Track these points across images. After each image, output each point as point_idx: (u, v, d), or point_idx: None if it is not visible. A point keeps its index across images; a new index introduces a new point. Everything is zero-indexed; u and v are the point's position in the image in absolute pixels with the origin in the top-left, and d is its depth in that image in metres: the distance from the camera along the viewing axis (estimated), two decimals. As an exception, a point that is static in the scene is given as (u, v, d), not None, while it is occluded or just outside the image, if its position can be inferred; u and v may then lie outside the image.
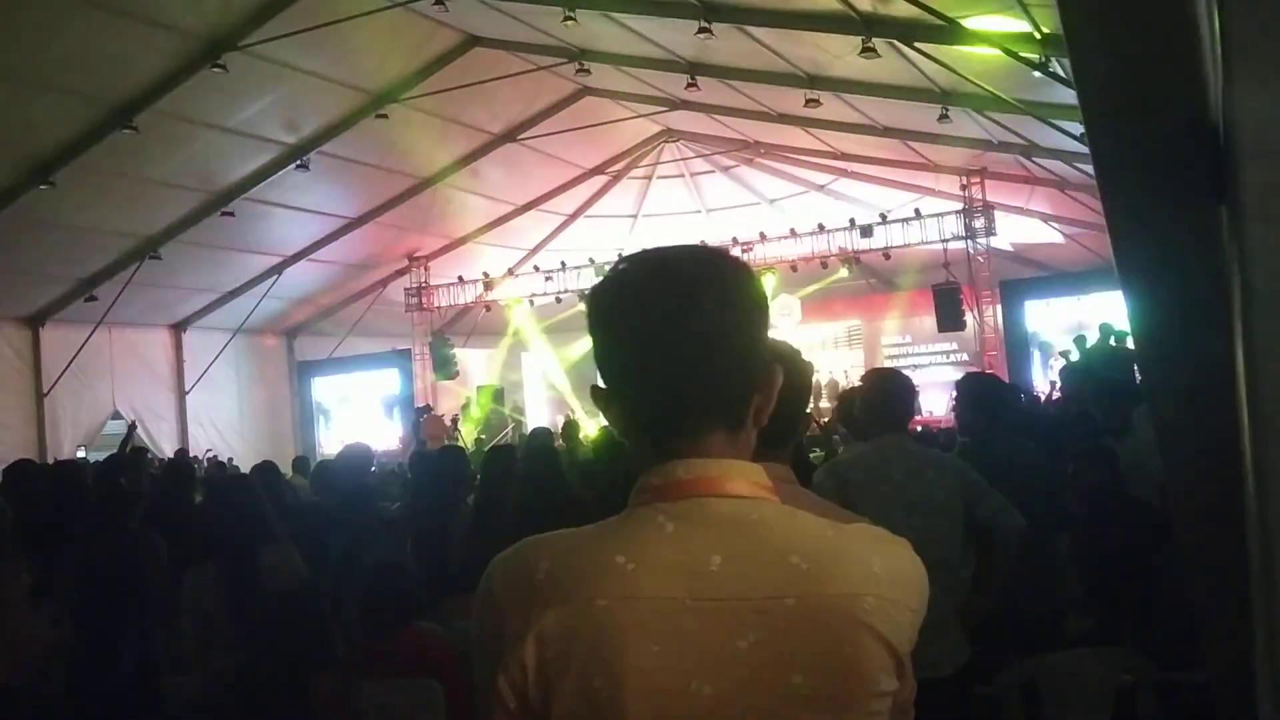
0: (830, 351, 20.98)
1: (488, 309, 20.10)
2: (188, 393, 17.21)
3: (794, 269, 17.80)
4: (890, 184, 17.07)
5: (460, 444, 16.14)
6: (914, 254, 16.94)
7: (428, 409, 17.68)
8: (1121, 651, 3.65)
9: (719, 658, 0.97)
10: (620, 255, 1.21)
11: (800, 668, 0.98)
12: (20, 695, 2.02)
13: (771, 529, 1.03)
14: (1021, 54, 8.53)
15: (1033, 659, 3.62)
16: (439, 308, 19.80)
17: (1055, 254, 17.90)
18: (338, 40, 11.05)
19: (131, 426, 11.82)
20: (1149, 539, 3.85)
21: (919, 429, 13.55)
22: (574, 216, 19.45)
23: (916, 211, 16.53)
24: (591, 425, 14.49)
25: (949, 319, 16.02)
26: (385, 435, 18.43)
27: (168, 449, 15.12)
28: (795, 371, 2.07)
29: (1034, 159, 13.81)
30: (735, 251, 17.84)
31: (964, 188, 15.84)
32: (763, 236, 17.80)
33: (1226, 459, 1.07)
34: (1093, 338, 11.11)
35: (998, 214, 16.16)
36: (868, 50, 9.69)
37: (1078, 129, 9.97)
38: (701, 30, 10.06)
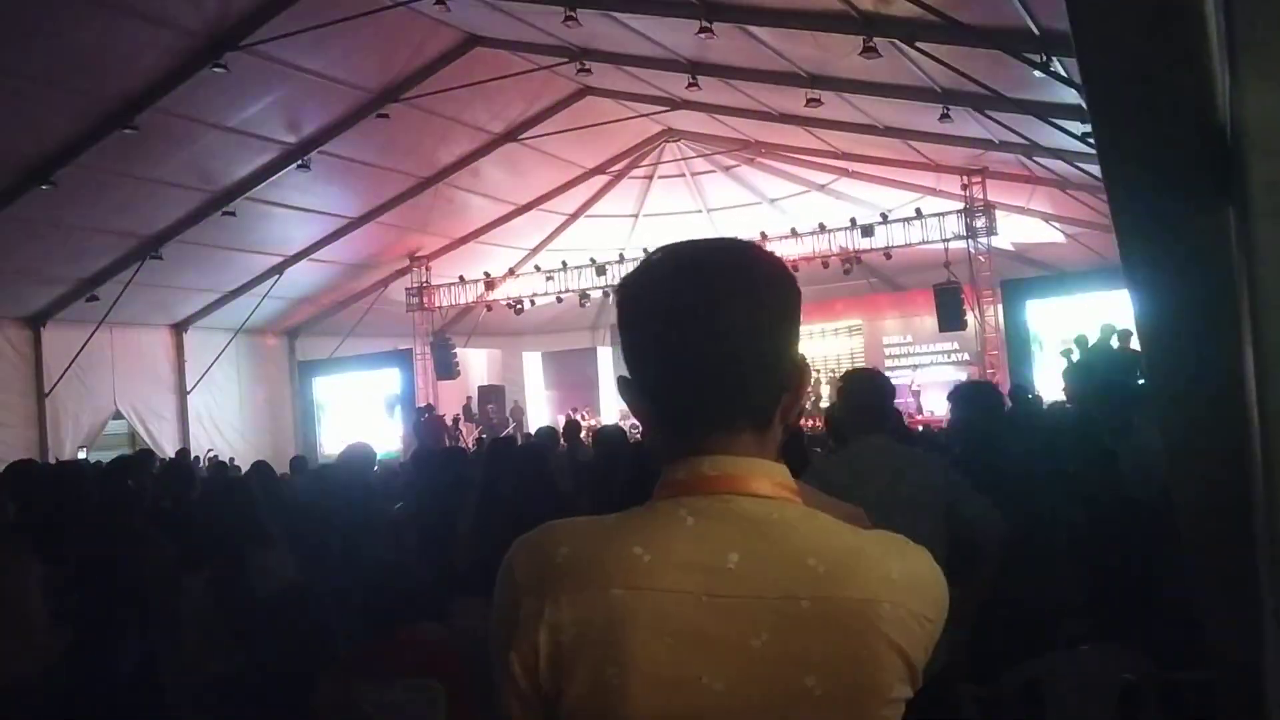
0: (831, 351, 20.99)
1: (489, 309, 20.11)
2: (189, 393, 17.22)
3: (795, 268, 17.77)
4: (891, 183, 17.07)
5: (461, 444, 16.17)
6: (915, 254, 16.95)
7: (429, 409, 17.69)
8: (1123, 651, 3.64)
9: (731, 654, 0.97)
10: (646, 250, 1.21)
11: (813, 669, 0.97)
12: (30, 689, 2.02)
13: (791, 530, 1.02)
14: (1023, 53, 8.53)
15: (1034, 659, 3.61)
16: (440, 307, 19.81)
17: (1056, 253, 17.91)
18: (339, 39, 11.05)
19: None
20: (1151, 539, 3.85)
21: (920, 428, 13.57)
22: (575, 216, 19.46)
23: (918, 211, 16.54)
24: (594, 424, 14.46)
25: (950, 319, 16.03)
26: (386, 435, 18.44)
27: (169, 449, 15.13)
28: None
29: (1035, 158, 13.81)
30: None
31: (965, 187, 15.85)
32: (764, 236, 17.77)
33: (1234, 458, 1.07)
34: (1093, 338, 11.10)
35: (999, 213, 16.17)
36: (869, 50, 9.69)
37: (1079, 128, 9.97)
38: (702, 30, 10.07)
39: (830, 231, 17.18)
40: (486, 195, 17.50)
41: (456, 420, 19.02)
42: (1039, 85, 9.62)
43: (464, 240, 18.84)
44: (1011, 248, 17.89)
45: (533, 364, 23.12)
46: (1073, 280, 16.34)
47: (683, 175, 18.75)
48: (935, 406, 18.61)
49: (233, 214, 14.01)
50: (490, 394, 21.30)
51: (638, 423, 1.21)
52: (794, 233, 17.58)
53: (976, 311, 16.28)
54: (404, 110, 13.41)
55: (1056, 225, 17.26)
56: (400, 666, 3.45)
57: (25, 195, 11.75)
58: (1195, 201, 1.07)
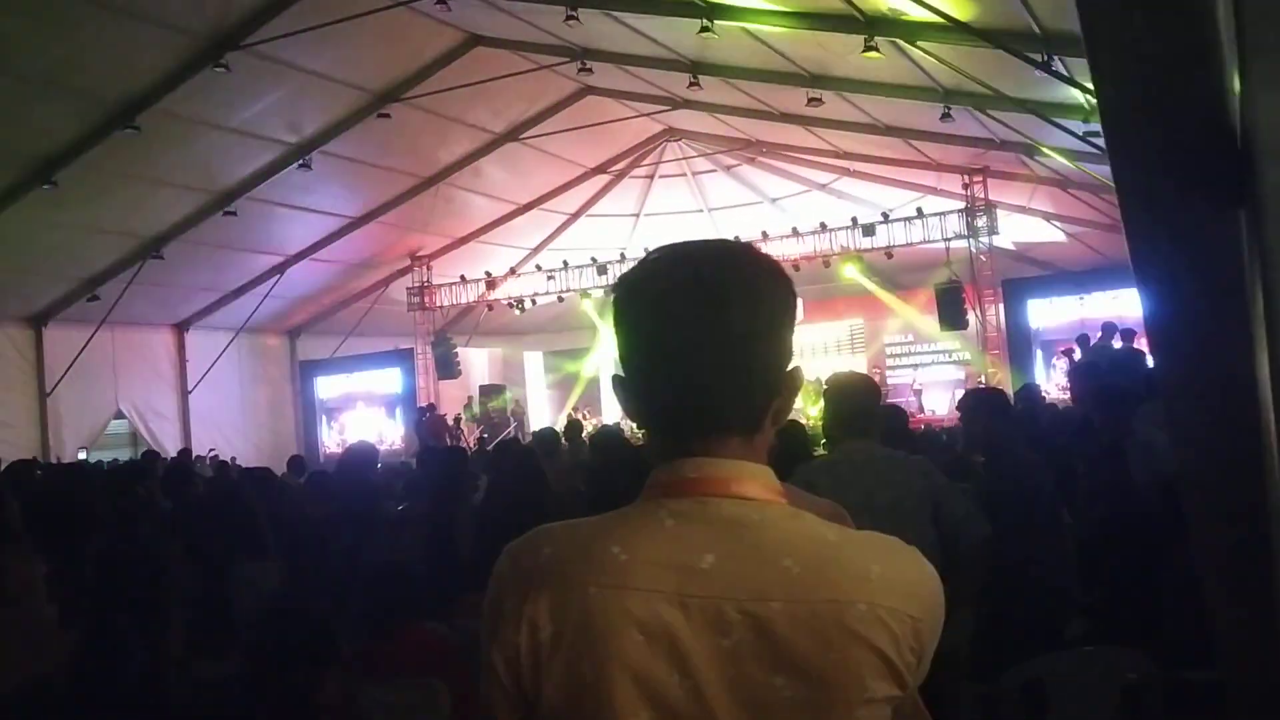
0: (833, 350, 20.99)
1: (490, 308, 20.11)
2: (190, 392, 17.23)
3: (796, 268, 17.79)
4: (892, 183, 17.06)
5: (463, 443, 16.17)
6: (916, 253, 16.94)
7: (431, 408, 17.69)
8: (1126, 651, 3.64)
9: (702, 654, 0.99)
10: (647, 250, 1.21)
11: (782, 670, 0.98)
12: (37, 691, 2.02)
13: (769, 532, 1.03)
14: (1025, 52, 8.52)
15: (1036, 658, 3.62)
16: (441, 307, 19.82)
17: (1057, 253, 17.90)
18: (340, 39, 11.05)
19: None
20: (1154, 538, 3.85)
21: (921, 428, 13.57)
22: (576, 216, 19.45)
23: (919, 210, 16.52)
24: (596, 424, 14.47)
25: (951, 318, 16.03)
26: (388, 434, 18.47)
27: (170, 449, 15.13)
28: None
29: (1036, 158, 13.81)
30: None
31: (966, 186, 15.84)
32: (765, 235, 17.79)
33: (1245, 459, 1.07)
34: (1094, 337, 11.10)
35: (1000, 213, 16.16)
36: (870, 49, 9.69)
37: (1080, 128, 9.98)
38: (704, 29, 10.06)
39: (831, 231, 17.18)
40: (487, 195, 17.49)
41: (457, 420, 19.02)
42: (1040, 84, 9.62)
43: (465, 240, 18.84)
44: (1013, 247, 17.88)
45: (534, 363, 23.11)
46: (1074, 279, 16.36)
47: (684, 175, 18.74)
48: (937, 406, 18.64)
49: (234, 214, 14.00)
50: (491, 393, 21.29)
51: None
52: (795, 232, 17.57)
53: (978, 311, 16.28)
54: (405, 110, 13.41)
55: (1058, 224, 17.25)
56: (403, 666, 3.45)
57: (27, 195, 11.75)
58: (1207, 205, 1.07)
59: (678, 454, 1.07)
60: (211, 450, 15.37)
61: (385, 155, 14.74)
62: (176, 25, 10.35)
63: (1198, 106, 1.01)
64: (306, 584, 4.33)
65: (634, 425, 2.30)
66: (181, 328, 17.38)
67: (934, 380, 19.54)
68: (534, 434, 9.73)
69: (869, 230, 16.60)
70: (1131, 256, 1.12)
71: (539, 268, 19.41)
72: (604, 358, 20.58)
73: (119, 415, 16.29)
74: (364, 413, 19.46)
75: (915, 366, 20.16)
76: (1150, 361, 8.12)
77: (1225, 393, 1.10)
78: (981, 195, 15.77)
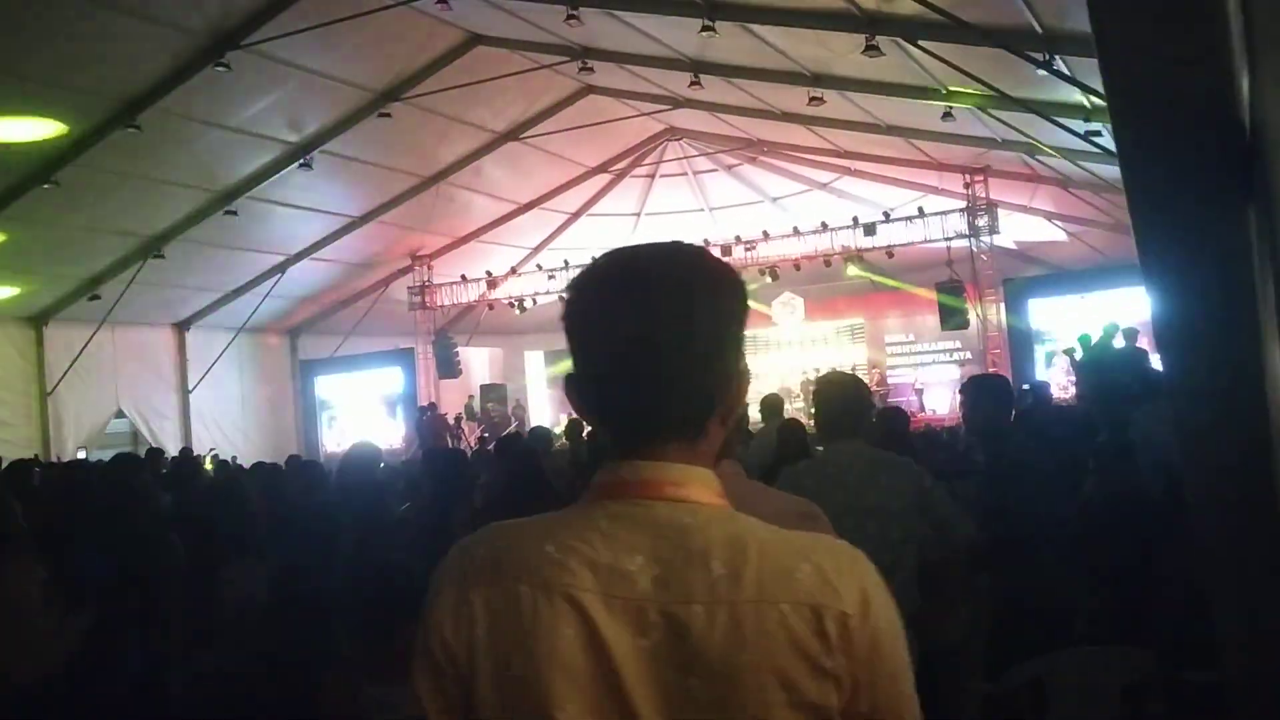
0: (833, 350, 20.99)
1: (490, 308, 20.11)
2: (191, 391, 17.23)
3: (797, 267, 17.81)
4: (894, 182, 17.05)
5: (463, 443, 16.18)
6: (917, 252, 16.94)
7: (431, 407, 17.69)
8: (1129, 650, 3.64)
9: (624, 653, 1.00)
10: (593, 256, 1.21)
11: (696, 672, 0.99)
12: (34, 695, 2.01)
13: (701, 534, 1.04)
14: (1026, 51, 8.52)
15: (1039, 657, 3.61)
16: (442, 306, 19.82)
17: (1058, 252, 17.90)
18: (341, 39, 11.04)
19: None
20: (1158, 537, 3.85)
21: (923, 427, 13.56)
22: (577, 215, 19.44)
23: (920, 210, 16.53)
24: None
25: (952, 317, 16.02)
26: (388, 434, 18.46)
27: (171, 448, 15.13)
28: None
29: (1037, 157, 13.80)
30: (738, 250, 17.92)
31: (967, 186, 15.84)
32: (766, 235, 17.81)
33: (1251, 455, 1.07)
34: (1096, 336, 11.09)
35: (1001, 212, 16.16)
36: (871, 48, 9.68)
37: (1081, 127, 9.97)
38: (705, 28, 10.06)
39: (832, 230, 17.18)
40: (488, 194, 17.49)
41: (458, 419, 19.01)
42: (1041, 84, 9.62)
43: (466, 239, 18.83)
44: (1014, 246, 17.88)
45: (534, 363, 23.10)
46: (1075, 279, 16.35)
47: (685, 174, 18.73)
48: (938, 405, 18.64)
49: (235, 213, 14.00)
50: (492, 393, 21.29)
51: None
52: (796, 231, 17.57)
53: (979, 310, 16.28)
54: (406, 109, 13.41)
55: (1059, 224, 17.25)
56: (403, 666, 3.44)
57: (29, 194, 11.75)
58: (1215, 200, 1.06)
59: (621, 456, 1.09)
60: (212, 449, 15.38)
61: (386, 154, 14.73)
62: (177, 24, 10.35)
63: (1206, 103, 1.01)
64: (309, 583, 4.32)
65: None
66: (182, 327, 17.38)
67: (935, 379, 19.53)
68: (529, 432, 9.72)
69: (870, 229, 16.60)
70: (1140, 253, 1.11)
71: (540, 267, 19.40)
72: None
73: (120, 414, 16.29)
74: (364, 412, 19.45)
75: (916, 366, 20.16)
76: (1153, 360, 8.12)
77: (1233, 390, 1.09)
78: (983, 194, 15.77)
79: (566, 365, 1.13)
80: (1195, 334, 1.12)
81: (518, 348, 22.82)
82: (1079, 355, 10.67)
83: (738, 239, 18.02)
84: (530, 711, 1.01)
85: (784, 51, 11.33)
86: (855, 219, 16.93)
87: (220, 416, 17.69)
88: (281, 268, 16.64)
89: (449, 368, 19.01)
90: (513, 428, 19.26)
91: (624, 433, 1.09)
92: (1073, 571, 4.17)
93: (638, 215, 19.80)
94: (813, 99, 12.22)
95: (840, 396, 3.49)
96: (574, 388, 1.11)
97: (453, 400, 19.52)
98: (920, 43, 9.53)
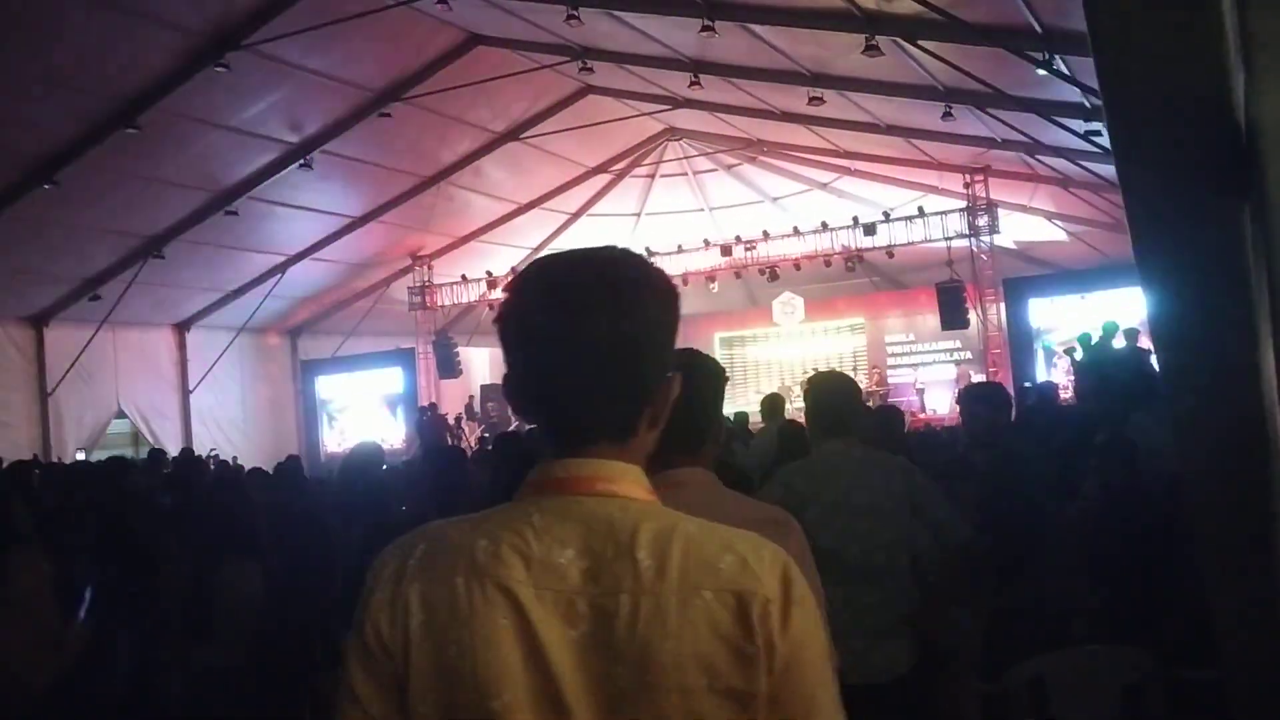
0: (833, 349, 21.00)
1: (491, 308, 20.10)
2: (191, 392, 17.23)
3: (797, 267, 17.82)
4: (894, 182, 17.06)
5: (464, 443, 16.17)
6: (917, 252, 16.94)
7: (432, 407, 17.69)
8: (1129, 649, 3.65)
9: (554, 643, 1.04)
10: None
11: (621, 660, 1.03)
12: (47, 697, 2.02)
13: (628, 528, 1.07)
14: (1025, 51, 8.52)
15: (1039, 657, 3.62)
16: (442, 306, 19.82)
17: (1059, 252, 17.90)
18: (341, 39, 11.05)
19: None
20: (1159, 536, 3.85)
21: (923, 427, 13.57)
22: (577, 215, 19.45)
23: (920, 209, 16.53)
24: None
25: (953, 317, 16.02)
26: (389, 434, 18.45)
27: (172, 448, 15.13)
28: (703, 378, 2.10)
29: (1037, 157, 13.80)
30: (738, 250, 17.93)
31: (967, 185, 15.84)
32: (766, 235, 17.82)
33: (1248, 456, 1.07)
34: (1096, 336, 11.08)
35: (1001, 212, 16.16)
36: (871, 48, 9.69)
37: (1081, 126, 9.97)
38: (705, 28, 10.06)
39: (833, 230, 17.18)
40: (488, 194, 17.49)
41: (459, 419, 19.02)
42: (1041, 83, 9.62)
43: (466, 239, 18.84)
44: (1014, 246, 17.88)
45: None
46: (1075, 278, 16.34)
47: (685, 174, 18.74)
48: (938, 405, 18.64)
49: (235, 213, 14.00)
50: (492, 392, 21.29)
51: None
52: (796, 231, 17.58)
53: (979, 310, 16.28)
54: (406, 109, 13.41)
55: (1059, 223, 17.25)
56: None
57: (28, 195, 11.76)
58: (1210, 200, 1.07)
59: (553, 454, 1.13)
60: (213, 450, 15.38)
61: (386, 155, 14.74)
62: (177, 24, 10.36)
63: (1202, 102, 1.01)
64: (306, 583, 4.33)
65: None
66: (182, 327, 17.38)
67: (935, 379, 19.53)
68: (528, 431, 9.71)
69: (870, 229, 16.61)
70: (1135, 252, 1.12)
71: (540, 267, 19.39)
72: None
73: (120, 415, 16.30)
74: (365, 412, 19.45)
75: (915, 366, 20.16)
76: (1153, 360, 8.12)
77: (1229, 389, 1.10)
78: (983, 194, 15.77)
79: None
80: (1190, 334, 1.12)
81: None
82: (1079, 355, 10.67)
83: (738, 239, 18.03)
84: (467, 699, 1.04)
85: (784, 51, 11.34)
86: (855, 219, 16.94)
87: (221, 417, 17.69)
88: (282, 268, 16.64)
89: (449, 368, 19.01)
90: (513, 427, 19.27)
91: (555, 432, 1.14)
92: (1072, 571, 4.17)
93: (638, 215, 19.81)
94: (812, 99, 12.23)
95: (829, 395, 3.48)
96: (509, 389, 1.15)
97: (453, 400, 19.52)
98: (920, 42, 9.53)
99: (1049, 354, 16.01)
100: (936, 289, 16.18)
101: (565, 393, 1.11)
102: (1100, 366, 8.95)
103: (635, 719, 1.03)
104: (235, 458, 14.43)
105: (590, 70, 13.29)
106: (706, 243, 18.36)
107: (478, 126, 15.24)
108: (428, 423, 16.99)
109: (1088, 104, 9.57)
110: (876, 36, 9.58)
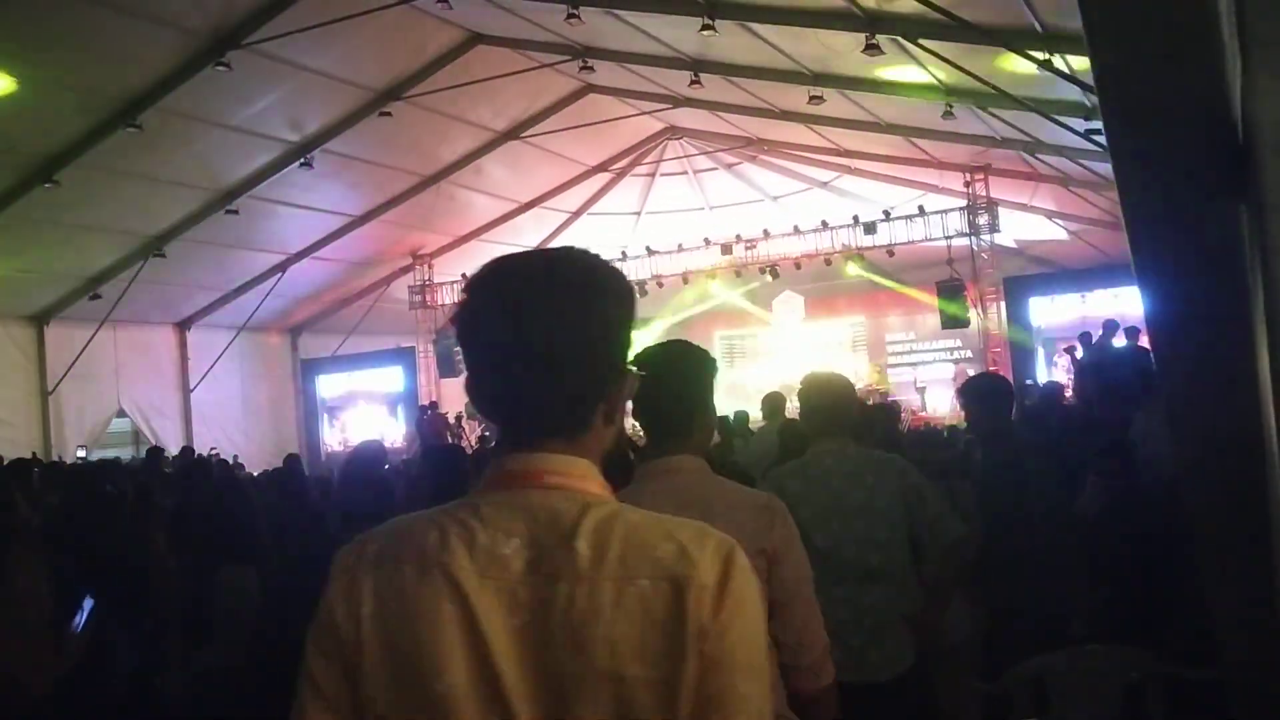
0: (833, 348, 20.98)
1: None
2: (192, 390, 17.24)
3: (797, 266, 17.81)
4: (894, 181, 17.03)
5: (464, 442, 16.17)
6: (918, 251, 16.92)
7: (432, 406, 17.69)
8: (1129, 649, 3.64)
9: (495, 631, 1.07)
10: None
11: (558, 648, 1.05)
12: (28, 686, 2.02)
13: (572, 518, 1.10)
14: (1027, 50, 8.51)
15: (1039, 657, 3.61)
16: (443, 305, 19.79)
17: (1059, 250, 17.88)
18: (341, 38, 11.04)
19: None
20: (1160, 535, 3.85)
21: (923, 426, 13.56)
22: (577, 214, 19.44)
23: (920, 208, 16.51)
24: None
25: (953, 316, 16.01)
26: (389, 433, 18.46)
27: (172, 447, 15.14)
28: (691, 368, 2.13)
29: (1038, 155, 13.78)
30: (739, 249, 17.92)
31: (968, 184, 15.82)
32: (766, 233, 17.81)
33: (1246, 456, 1.07)
34: (1097, 335, 11.09)
35: (1001, 210, 16.13)
36: (871, 47, 9.68)
37: (1082, 125, 9.96)
38: (705, 27, 10.05)
39: (833, 229, 17.17)
40: (489, 193, 17.48)
41: (459, 418, 19.01)
42: (1042, 82, 9.60)
43: (466, 238, 18.82)
44: (1014, 245, 17.86)
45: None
46: (1076, 277, 16.33)
47: (685, 172, 18.72)
48: (939, 404, 18.62)
49: (236, 212, 14.00)
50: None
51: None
52: (796, 230, 17.57)
53: (979, 309, 16.27)
54: (406, 108, 13.40)
55: (1059, 222, 17.23)
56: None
57: (29, 194, 11.76)
58: (1207, 199, 1.07)
59: (507, 450, 1.17)
60: (213, 449, 15.38)
61: (387, 154, 14.73)
62: (178, 24, 10.36)
63: (1198, 101, 1.01)
64: (311, 584, 4.33)
65: (635, 423, 2.32)
66: (183, 326, 17.39)
67: (936, 378, 19.52)
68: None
69: (870, 228, 16.60)
70: (1132, 252, 1.11)
71: (541, 266, 19.39)
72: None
73: (121, 414, 16.30)
74: (365, 411, 19.45)
75: (915, 365, 20.15)
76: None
77: (1226, 388, 1.10)
78: (983, 193, 15.75)
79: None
80: (1188, 333, 1.12)
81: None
82: (1079, 354, 10.66)
83: (738, 237, 18.02)
84: (413, 682, 1.07)
85: (784, 50, 11.33)
86: (855, 217, 16.92)
87: (221, 416, 17.69)
88: (282, 267, 16.64)
89: (450, 367, 18.99)
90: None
91: (508, 429, 1.17)
92: (1072, 571, 4.17)
93: (638, 214, 19.80)
94: (813, 98, 12.21)
95: (822, 395, 3.47)
96: (467, 388, 1.18)
97: (454, 399, 19.49)
98: (920, 41, 9.52)
99: (1050, 355, 16.03)
100: (937, 287, 16.17)
101: (512, 392, 1.14)
102: (1102, 366, 8.95)
103: (570, 706, 1.04)
104: (236, 456, 14.44)
105: (591, 69, 13.28)
106: (707, 241, 18.34)
107: (478, 125, 15.24)
108: (428, 421, 16.99)
109: (1088, 102, 9.56)
110: (877, 35, 9.57)
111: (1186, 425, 1.23)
